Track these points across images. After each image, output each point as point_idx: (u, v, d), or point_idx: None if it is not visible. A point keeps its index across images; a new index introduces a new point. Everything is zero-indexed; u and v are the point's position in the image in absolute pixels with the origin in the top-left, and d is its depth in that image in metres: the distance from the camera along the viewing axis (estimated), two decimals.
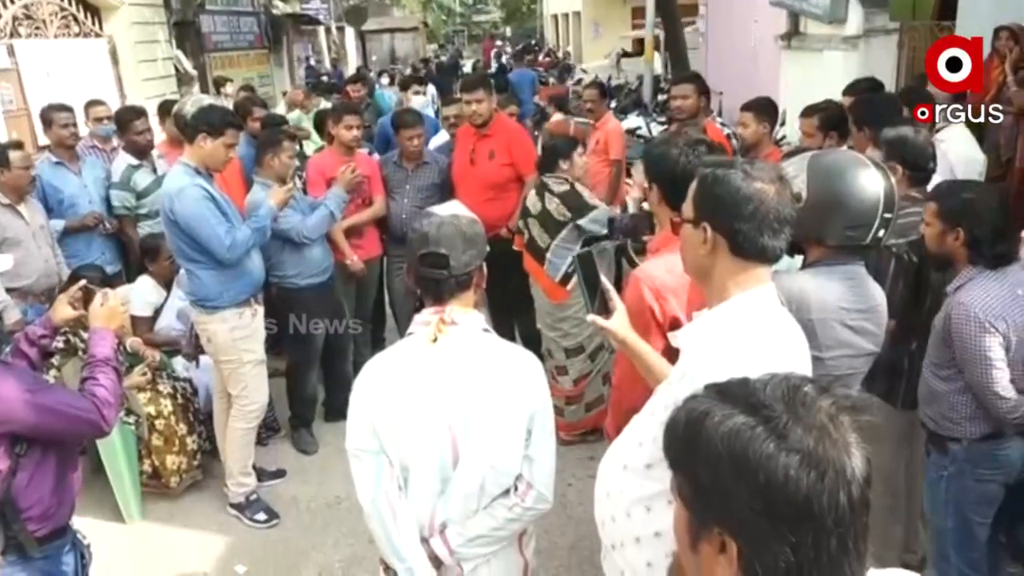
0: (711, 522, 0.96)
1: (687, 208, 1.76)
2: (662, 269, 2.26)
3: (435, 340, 1.90)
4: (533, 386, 1.97)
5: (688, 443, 0.97)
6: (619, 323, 2.03)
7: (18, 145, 4.65)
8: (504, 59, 24.78)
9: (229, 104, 6.79)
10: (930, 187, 2.97)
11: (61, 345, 3.75)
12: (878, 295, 2.23)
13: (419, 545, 1.94)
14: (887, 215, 2.11)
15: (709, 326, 1.70)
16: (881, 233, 2.13)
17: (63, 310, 2.62)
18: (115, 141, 5.64)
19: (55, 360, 3.72)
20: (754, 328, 1.64)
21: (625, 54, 21.21)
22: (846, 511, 0.90)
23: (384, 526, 1.92)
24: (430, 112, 9.70)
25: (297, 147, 5.48)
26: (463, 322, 1.94)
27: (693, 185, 1.75)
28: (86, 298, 2.61)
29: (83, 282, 2.76)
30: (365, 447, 1.91)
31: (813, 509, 0.89)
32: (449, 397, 1.89)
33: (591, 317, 2.03)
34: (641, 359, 2.05)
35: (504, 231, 4.92)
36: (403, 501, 1.93)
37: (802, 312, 2.12)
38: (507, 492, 1.98)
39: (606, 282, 2.05)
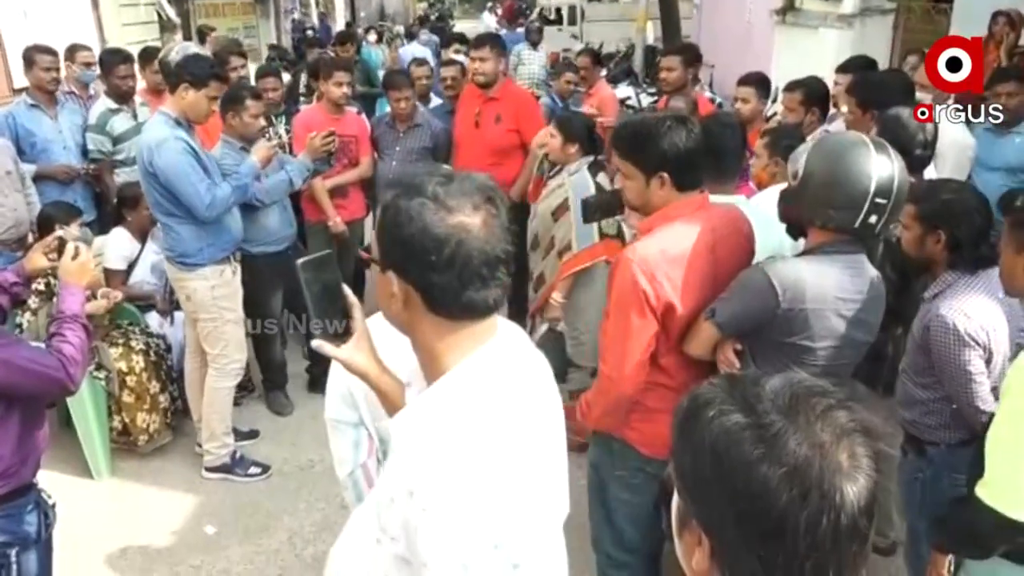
0: (693, 515, 0.93)
1: (372, 244, 1.32)
2: (656, 249, 2.16)
3: None
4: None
5: (685, 429, 0.93)
6: (361, 352, 1.45)
7: None
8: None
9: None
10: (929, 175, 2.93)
11: (42, 288, 3.67)
12: (878, 285, 2.18)
13: None
14: (880, 200, 2.01)
15: (422, 421, 1.24)
16: (873, 219, 2.04)
17: (37, 259, 2.52)
18: (92, 89, 5.51)
19: (32, 303, 3.64)
20: (478, 420, 1.22)
21: None
22: (827, 538, 0.82)
23: (362, 498, 1.88)
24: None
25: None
26: None
27: (378, 216, 1.29)
28: (61, 249, 2.51)
29: (59, 232, 2.64)
30: (343, 418, 1.86)
31: (786, 528, 0.82)
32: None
33: (316, 343, 1.45)
34: (389, 400, 1.45)
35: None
36: (382, 473, 1.89)
37: (796, 301, 2.09)
38: None
39: (349, 293, 1.49)
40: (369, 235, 5.17)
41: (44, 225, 3.98)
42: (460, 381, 1.25)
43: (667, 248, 2.15)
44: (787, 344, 2.14)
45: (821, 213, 2.08)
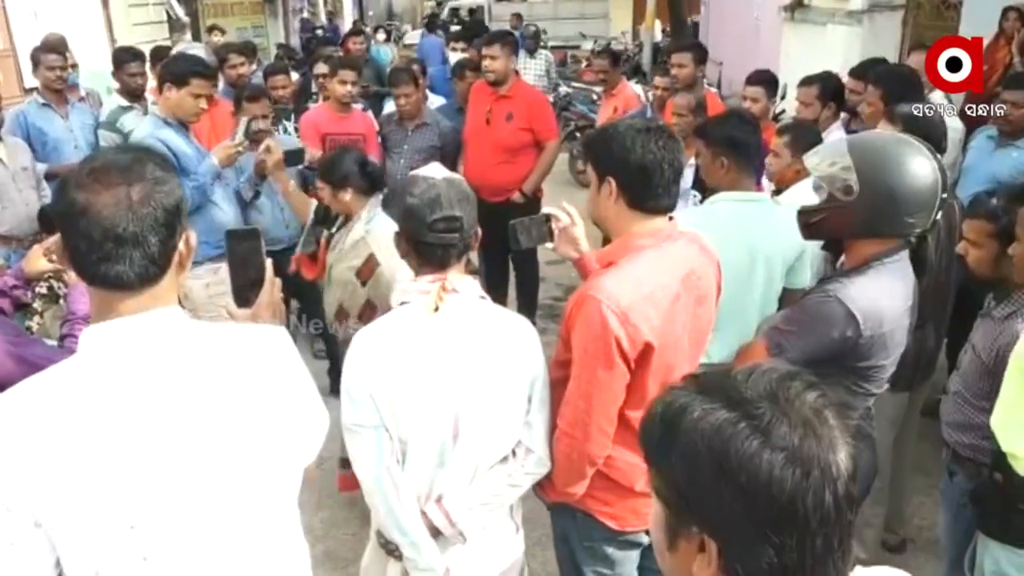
0: (690, 521, 0.92)
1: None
2: (627, 287, 1.84)
3: (436, 309, 1.83)
4: (532, 352, 1.95)
5: (666, 439, 0.93)
6: (258, 319, 1.65)
7: None
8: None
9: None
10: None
11: (44, 291, 3.67)
12: (915, 285, 2.09)
13: (420, 518, 1.90)
14: (944, 196, 1.97)
15: None
16: (939, 216, 1.99)
17: (37, 261, 2.45)
18: (82, 91, 5.59)
19: (37, 305, 3.64)
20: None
21: None
22: (831, 510, 0.86)
23: (387, 502, 1.86)
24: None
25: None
26: (463, 289, 1.88)
27: None
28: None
29: (59, 235, 2.56)
30: (364, 422, 1.83)
31: (798, 509, 0.85)
32: (453, 369, 1.84)
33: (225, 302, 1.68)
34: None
35: (517, 195, 4.83)
36: (403, 475, 1.88)
37: (875, 327, 1.95)
38: (504, 459, 1.96)
39: (268, 268, 1.71)
40: None
41: (45, 223, 3.96)
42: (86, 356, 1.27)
43: (639, 283, 1.86)
44: (860, 368, 2.02)
45: (896, 222, 1.95)
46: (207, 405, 1.31)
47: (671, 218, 2.01)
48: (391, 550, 1.97)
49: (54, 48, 5.07)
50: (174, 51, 5.26)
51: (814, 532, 0.86)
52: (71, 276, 2.40)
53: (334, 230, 3.28)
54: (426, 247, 1.86)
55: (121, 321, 1.27)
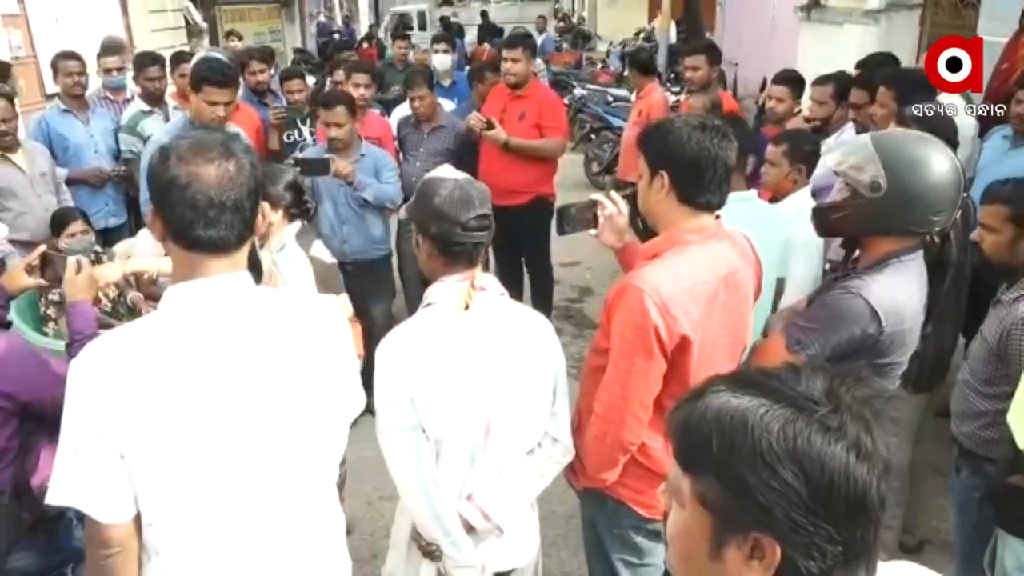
0: (749, 526, 0.89)
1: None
2: (669, 280, 1.89)
3: (467, 308, 1.87)
4: (553, 344, 2.02)
5: (727, 442, 0.89)
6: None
7: None
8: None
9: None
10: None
11: (56, 299, 3.71)
12: (926, 282, 2.12)
13: (457, 516, 1.92)
14: (964, 194, 2.04)
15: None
16: (958, 215, 2.04)
17: (18, 277, 2.34)
18: (128, 92, 5.62)
19: (51, 312, 3.68)
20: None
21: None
22: (886, 496, 0.89)
23: (432, 503, 1.88)
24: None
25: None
26: (488, 287, 1.93)
27: None
28: (45, 265, 2.31)
29: (42, 248, 2.41)
30: (403, 424, 1.85)
31: (868, 503, 0.87)
32: (486, 366, 1.87)
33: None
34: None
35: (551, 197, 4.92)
36: (440, 474, 1.91)
37: (897, 323, 1.99)
38: (531, 451, 2.01)
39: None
40: (393, 232, 5.25)
41: (55, 225, 3.97)
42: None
43: (680, 277, 1.90)
44: (878, 364, 2.04)
45: (921, 219, 1.97)
46: (271, 361, 1.48)
47: (718, 216, 2.03)
48: (431, 551, 1.97)
49: (71, 54, 5.12)
50: (195, 57, 5.28)
51: (876, 521, 0.89)
52: (70, 295, 2.26)
53: None
54: (458, 247, 1.88)
55: (209, 280, 1.44)
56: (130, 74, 5.62)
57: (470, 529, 1.94)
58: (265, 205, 1.50)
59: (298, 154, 4.70)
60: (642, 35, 18.27)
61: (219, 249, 1.43)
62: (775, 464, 0.86)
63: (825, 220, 2.14)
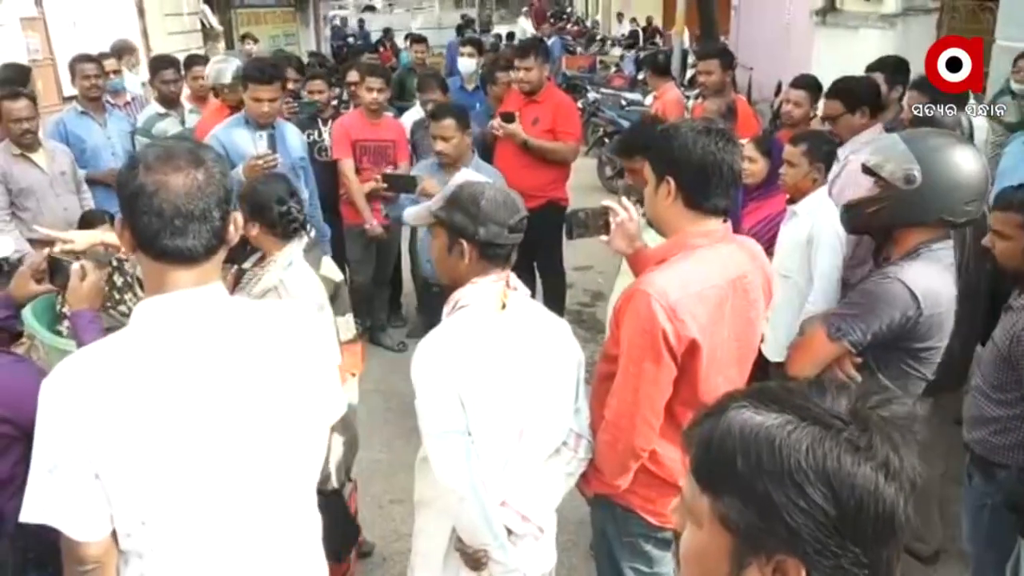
0: (774, 548, 0.86)
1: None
2: (676, 284, 1.87)
3: (504, 307, 1.89)
4: (572, 338, 2.05)
5: (752, 460, 0.86)
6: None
7: (14, 95, 4.32)
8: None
9: None
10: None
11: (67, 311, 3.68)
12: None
13: (502, 519, 1.92)
14: (989, 186, 2.17)
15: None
16: (984, 205, 2.19)
17: (27, 285, 2.24)
18: (128, 95, 5.68)
19: (67, 311, 3.65)
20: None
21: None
22: (911, 515, 0.86)
23: (484, 507, 1.85)
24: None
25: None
26: (519, 287, 1.97)
27: None
28: (52, 271, 2.21)
29: (46, 251, 2.29)
30: (454, 426, 1.82)
31: (895, 524, 0.85)
32: (524, 365, 1.88)
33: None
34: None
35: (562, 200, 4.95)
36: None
37: (935, 306, 2.10)
38: (556, 451, 2.01)
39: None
40: (406, 240, 5.24)
41: (85, 227, 3.99)
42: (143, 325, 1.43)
43: (688, 281, 1.89)
44: (917, 349, 2.14)
45: (956, 208, 2.09)
46: (244, 372, 1.46)
47: (726, 220, 2.02)
48: (478, 558, 1.94)
49: (88, 57, 5.17)
50: (211, 61, 5.33)
51: (900, 542, 0.86)
52: (75, 304, 2.15)
53: (246, 265, 2.83)
54: (499, 248, 1.90)
55: (177, 294, 1.42)
56: (132, 76, 5.68)
57: (509, 534, 1.93)
58: (238, 216, 1.47)
59: (387, 170, 4.74)
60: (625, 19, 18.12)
61: (186, 259, 1.41)
62: (804, 484, 0.83)
63: (858, 215, 2.21)
